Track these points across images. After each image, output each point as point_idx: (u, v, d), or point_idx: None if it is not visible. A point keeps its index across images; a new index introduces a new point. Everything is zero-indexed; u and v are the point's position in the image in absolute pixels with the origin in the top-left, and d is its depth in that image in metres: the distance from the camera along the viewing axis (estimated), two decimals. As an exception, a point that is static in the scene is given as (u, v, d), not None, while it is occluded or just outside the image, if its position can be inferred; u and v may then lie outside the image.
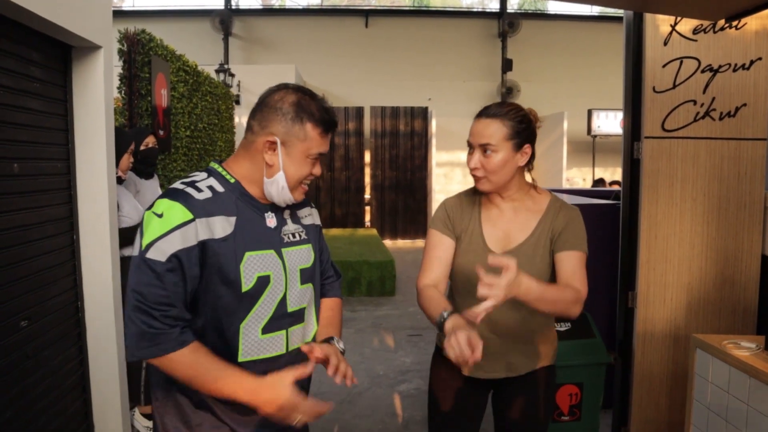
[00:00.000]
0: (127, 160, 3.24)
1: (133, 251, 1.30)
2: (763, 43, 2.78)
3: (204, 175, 1.40)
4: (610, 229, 3.34)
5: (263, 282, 1.37)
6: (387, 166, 11.32)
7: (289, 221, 1.49)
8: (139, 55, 4.84)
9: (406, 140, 11.30)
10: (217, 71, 9.54)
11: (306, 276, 1.50)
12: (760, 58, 2.79)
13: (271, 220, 1.43)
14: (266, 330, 1.40)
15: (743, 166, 2.84)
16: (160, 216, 1.28)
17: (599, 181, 9.83)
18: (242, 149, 1.44)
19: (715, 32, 2.79)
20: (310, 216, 1.61)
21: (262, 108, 1.39)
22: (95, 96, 2.70)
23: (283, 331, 1.44)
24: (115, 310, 2.79)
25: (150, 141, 3.72)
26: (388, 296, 6.82)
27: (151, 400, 3.25)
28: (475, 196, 1.86)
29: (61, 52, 2.59)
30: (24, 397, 2.30)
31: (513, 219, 1.78)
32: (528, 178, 1.84)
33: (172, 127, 5.79)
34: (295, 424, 1.32)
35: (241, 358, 1.37)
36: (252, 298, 1.36)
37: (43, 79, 2.47)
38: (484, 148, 1.69)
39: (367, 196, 11.48)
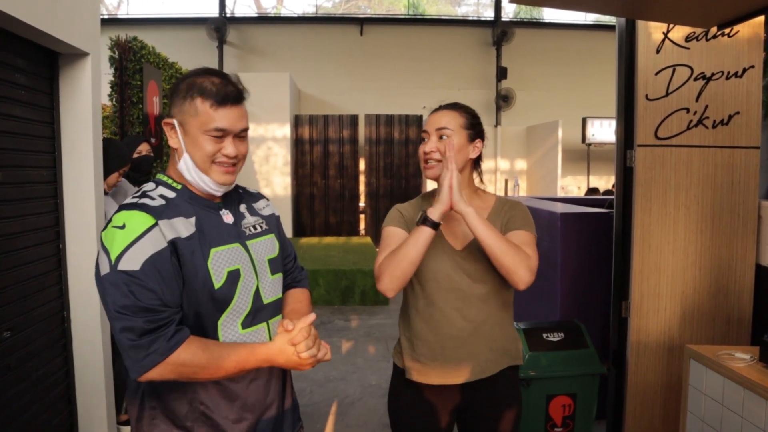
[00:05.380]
0: (116, 178, 3.20)
1: (101, 271, 1.25)
2: (755, 51, 2.77)
3: (153, 185, 1.40)
4: (603, 238, 3.32)
5: (234, 276, 1.36)
6: (381, 174, 11.28)
7: (247, 214, 1.50)
8: (131, 63, 4.81)
9: (400, 148, 11.27)
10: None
11: (274, 266, 1.50)
12: (752, 66, 2.78)
13: (227, 216, 1.43)
14: (246, 324, 1.39)
15: (737, 175, 2.82)
16: (122, 227, 1.25)
17: (593, 191, 9.82)
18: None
19: (707, 40, 2.78)
20: (268, 207, 1.61)
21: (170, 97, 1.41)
22: (83, 103, 2.67)
23: (264, 324, 1.44)
24: (102, 320, 2.75)
25: (143, 149, 3.69)
26: (382, 305, 6.77)
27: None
28: (424, 200, 1.90)
29: (47, 59, 2.57)
30: (6, 410, 2.26)
31: None
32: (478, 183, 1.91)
33: (164, 134, 5.76)
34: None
35: None
36: (227, 295, 1.34)
37: (29, 86, 2.44)
38: (441, 134, 1.76)
39: (362, 204, 11.44)
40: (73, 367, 2.75)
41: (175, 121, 1.36)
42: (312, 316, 1.33)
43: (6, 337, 2.26)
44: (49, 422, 2.56)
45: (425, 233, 1.63)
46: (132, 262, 1.22)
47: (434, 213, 1.63)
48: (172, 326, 1.25)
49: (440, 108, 1.83)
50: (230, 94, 1.34)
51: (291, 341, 1.28)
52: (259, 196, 1.61)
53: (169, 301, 1.26)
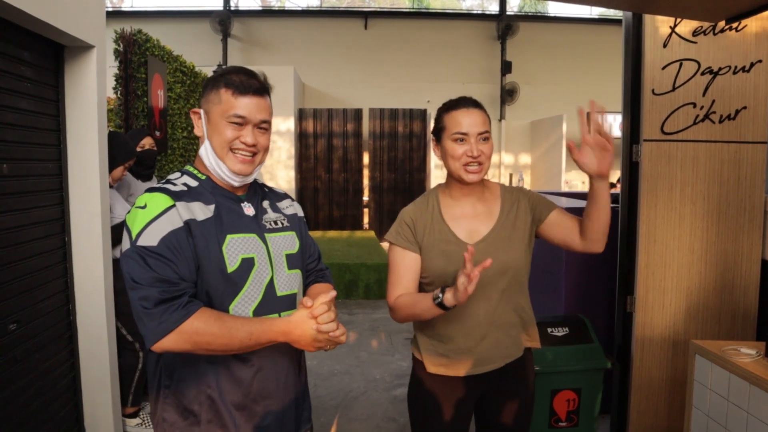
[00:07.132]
0: (121, 171, 3.20)
1: (123, 248, 1.31)
2: (763, 45, 2.75)
3: (178, 174, 1.47)
4: (608, 233, 3.30)
5: (248, 264, 1.39)
6: (385, 168, 11.27)
7: (269, 210, 1.54)
8: (135, 56, 4.80)
9: (404, 142, 11.26)
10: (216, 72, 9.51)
11: (293, 262, 1.52)
12: (760, 61, 2.76)
13: (248, 209, 1.47)
14: (258, 313, 1.41)
15: (743, 170, 2.81)
16: (143, 207, 1.32)
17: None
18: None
19: (715, 34, 2.76)
20: (292, 207, 1.64)
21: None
22: (88, 96, 2.67)
23: (276, 315, 1.44)
24: (107, 312, 2.76)
25: (147, 142, 3.68)
26: (386, 299, 6.77)
27: (136, 403, 3.23)
28: (429, 198, 1.86)
29: (53, 51, 2.56)
30: (13, 402, 2.27)
31: (474, 210, 1.81)
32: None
33: (168, 128, 5.75)
34: (327, 349, 1.36)
35: None
36: (239, 280, 1.38)
37: (35, 78, 2.44)
38: (483, 136, 1.72)
39: (366, 198, 11.44)
40: (79, 360, 2.76)
41: (201, 111, 1.44)
42: (333, 293, 1.34)
43: (12, 329, 2.27)
44: (55, 414, 2.58)
45: (437, 311, 1.59)
46: (150, 238, 1.28)
47: (449, 301, 1.52)
48: (186, 297, 1.28)
49: (472, 105, 1.78)
50: (252, 85, 1.42)
51: (311, 314, 1.29)
52: (284, 196, 1.65)
53: (185, 275, 1.30)
